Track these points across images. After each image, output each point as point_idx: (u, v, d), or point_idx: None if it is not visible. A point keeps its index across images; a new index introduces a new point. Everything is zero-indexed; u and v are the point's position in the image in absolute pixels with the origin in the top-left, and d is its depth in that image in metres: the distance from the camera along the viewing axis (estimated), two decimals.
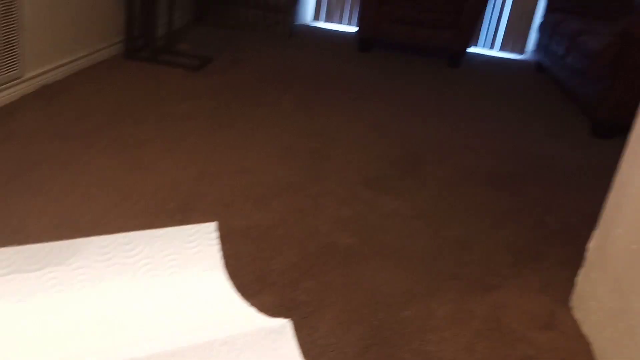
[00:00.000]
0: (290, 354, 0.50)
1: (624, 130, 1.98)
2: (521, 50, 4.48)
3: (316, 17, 4.62)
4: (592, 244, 0.79)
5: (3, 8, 2.11)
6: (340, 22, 4.59)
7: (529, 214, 2.03)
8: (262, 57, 3.49)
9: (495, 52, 4.50)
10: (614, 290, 0.65)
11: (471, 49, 4.42)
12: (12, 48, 2.21)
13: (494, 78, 3.80)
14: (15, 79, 2.27)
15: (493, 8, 4.41)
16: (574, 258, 0.92)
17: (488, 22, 4.42)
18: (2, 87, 2.21)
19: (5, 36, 2.14)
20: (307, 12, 4.56)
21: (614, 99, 2.82)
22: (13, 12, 2.17)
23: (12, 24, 2.18)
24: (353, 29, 4.53)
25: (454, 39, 3.81)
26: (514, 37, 4.45)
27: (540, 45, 4.01)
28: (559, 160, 2.56)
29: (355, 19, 4.56)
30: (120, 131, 2.17)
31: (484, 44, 4.48)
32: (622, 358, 0.51)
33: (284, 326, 0.51)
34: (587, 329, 0.69)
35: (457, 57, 3.89)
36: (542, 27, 3.99)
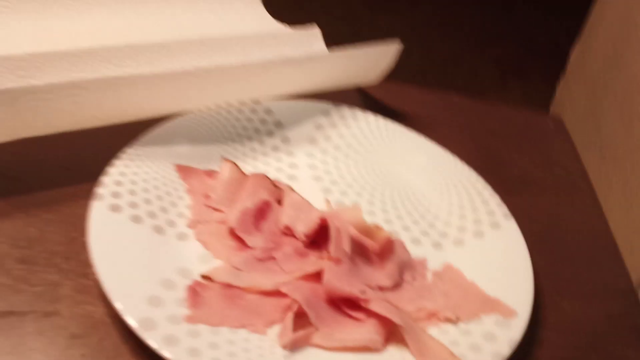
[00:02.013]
0: (321, 48, 0.61)
1: None
2: None
3: None
4: (574, 54, 0.89)
5: None
6: None
7: (519, 33, 2.12)
8: None
9: None
10: (588, 94, 0.75)
11: None
12: None
13: None
14: None
15: None
16: (558, 72, 1.04)
17: None
18: None
19: None
20: None
21: None
22: None
23: None
24: None
25: None
26: None
27: None
28: None
29: None
30: None
31: None
32: (590, 150, 0.63)
33: (315, 31, 0.61)
34: None
35: None
36: None
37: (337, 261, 0.40)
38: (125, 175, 0.44)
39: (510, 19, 2.39)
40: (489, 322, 0.39)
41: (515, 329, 0.39)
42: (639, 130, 0.57)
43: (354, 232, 0.42)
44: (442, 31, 2.21)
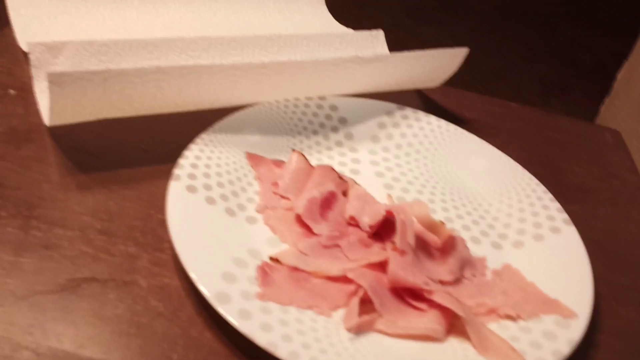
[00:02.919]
0: (384, 51, 0.64)
1: None
2: None
3: None
4: (621, 74, 0.89)
5: None
6: None
7: (564, 51, 2.12)
8: None
9: None
10: (633, 114, 0.75)
11: None
12: None
13: None
14: None
15: None
16: (601, 92, 1.04)
17: None
18: None
19: None
20: None
21: None
22: None
23: None
24: None
25: None
26: None
27: None
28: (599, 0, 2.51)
29: None
30: None
31: None
32: None
33: (378, 33, 0.65)
34: None
35: None
36: None
37: (402, 252, 0.41)
38: (200, 159, 0.46)
39: (556, 37, 2.37)
40: (548, 321, 0.40)
41: (575, 330, 0.39)
42: None
43: (418, 226, 0.43)
44: (486, 45, 2.21)
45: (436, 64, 0.58)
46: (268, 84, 0.51)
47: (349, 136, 0.54)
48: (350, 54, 0.64)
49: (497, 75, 2.07)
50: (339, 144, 0.53)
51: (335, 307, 0.39)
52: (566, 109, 1.95)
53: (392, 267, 0.40)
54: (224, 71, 0.47)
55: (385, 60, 0.55)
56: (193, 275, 0.37)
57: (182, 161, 0.45)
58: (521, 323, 0.40)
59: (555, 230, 0.47)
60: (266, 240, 0.43)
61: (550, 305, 0.41)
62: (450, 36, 2.22)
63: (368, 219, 0.44)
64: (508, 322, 0.40)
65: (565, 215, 0.48)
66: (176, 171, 0.44)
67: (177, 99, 0.48)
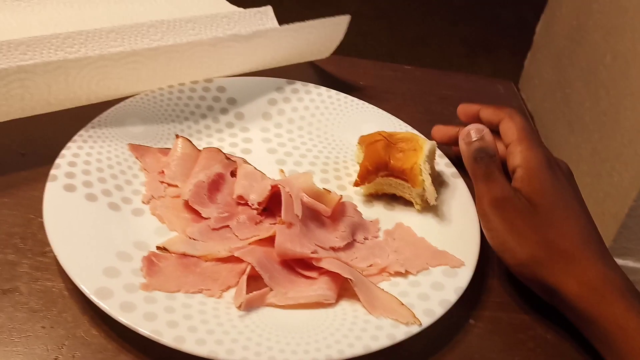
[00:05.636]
0: (274, 25, 0.63)
1: None
2: None
3: None
4: (539, 28, 0.91)
5: None
6: None
7: (486, 11, 2.22)
8: None
9: None
10: (554, 67, 0.77)
11: None
12: None
13: None
14: None
15: None
16: (525, 47, 1.05)
17: None
18: None
19: None
20: None
21: None
22: None
23: None
24: None
25: None
26: None
27: None
28: None
29: None
30: None
31: None
32: (559, 122, 0.65)
33: (267, 9, 0.64)
34: (531, 105, 0.81)
35: None
36: None
37: (289, 225, 0.41)
38: (79, 157, 0.45)
39: None
40: (437, 273, 0.41)
41: (462, 278, 0.40)
42: (604, 99, 0.59)
43: (306, 197, 0.43)
44: (410, 13, 2.24)
45: (320, 34, 0.58)
46: (144, 71, 0.50)
47: (240, 116, 0.54)
48: (238, 31, 0.63)
49: (422, 41, 2.09)
50: (229, 125, 0.53)
51: (227, 288, 0.39)
52: (493, 68, 1.99)
53: (278, 240, 0.40)
54: (92, 63, 0.46)
55: (265, 36, 0.54)
56: (72, 273, 0.36)
57: (59, 160, 0.44)
58: (411, 278, 0.41)
59: (444, 184, 0.48)
60: (154, 231, 0.42)
61: (438, 257, 0.42)
62: (374, 7, 2.23)
63: (255, 196, 0.44)
64: (399, 279, 0.41)
65: (454, 169, 0.49)
66: (53, 171, 0.43)
67: (48, 98, 0.47)
